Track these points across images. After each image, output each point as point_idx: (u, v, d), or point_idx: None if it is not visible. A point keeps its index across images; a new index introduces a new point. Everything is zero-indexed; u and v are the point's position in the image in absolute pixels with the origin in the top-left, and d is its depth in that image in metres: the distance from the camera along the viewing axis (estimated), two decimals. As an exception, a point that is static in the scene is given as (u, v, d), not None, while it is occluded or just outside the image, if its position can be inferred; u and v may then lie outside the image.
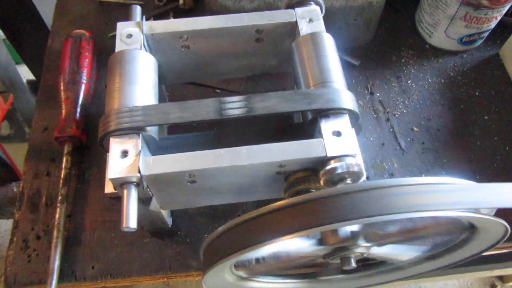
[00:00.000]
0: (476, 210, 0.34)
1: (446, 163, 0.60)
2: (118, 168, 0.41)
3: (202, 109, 0.43)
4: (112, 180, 0.41)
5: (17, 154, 1.24)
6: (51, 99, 0.65)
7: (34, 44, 1.06)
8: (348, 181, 0.42)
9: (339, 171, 0.41)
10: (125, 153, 0.42)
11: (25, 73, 1.32)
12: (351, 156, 0.42)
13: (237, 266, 0.47)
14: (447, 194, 0.30)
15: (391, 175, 0.59)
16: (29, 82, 1.44)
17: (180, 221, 0.56)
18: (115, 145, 0.42)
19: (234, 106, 0.43)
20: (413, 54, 0.70)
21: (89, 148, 0.61)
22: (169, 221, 0.55)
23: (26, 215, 0.56)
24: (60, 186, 0.56)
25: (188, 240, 0.54)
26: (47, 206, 0.57)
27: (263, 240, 0.31)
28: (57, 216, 0.54)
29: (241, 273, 0.49)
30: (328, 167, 0.41)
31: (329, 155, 0.42)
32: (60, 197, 0.55)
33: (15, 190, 1.34)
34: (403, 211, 0.30)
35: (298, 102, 0.44)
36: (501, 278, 1.26)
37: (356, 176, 0.42)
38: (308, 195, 0.32)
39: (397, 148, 0.61)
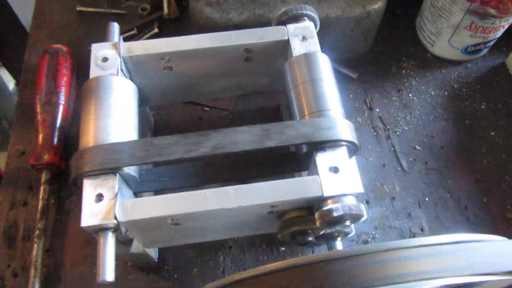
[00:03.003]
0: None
1: (451, 185, 0.56)
2: (92, 214, 0.37)
3: (180, 147, 0.39)
4: (86, 227, 0.37)
5: (4, 163, 1.20)
6: (28, 120, 0.61)
7: (14, 48, 1.02)
8: (347, 222, 0.39)
9: (336, 214, 0.37)
10: (100, 197, 0.38)
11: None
12: (351, 195, 0.38)
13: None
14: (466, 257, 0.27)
15: (393, 199, 0.55)
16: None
17: (167, 254, 0.52)
18: (89, 188, 0.38)
19: (211, 142, 0.39)
20: (414, 64, 0.65)
21: (68, 174, 0.56)
22: (155, 255, 0.51)
23: (2, 250, 0.52)
24: (38, 219, 0.52)
25: (175, 275, 0.51)
26: (24, 239, 0.53)
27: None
28: (34, 253, 0.50)
29: None
30: (324, 208, 0.38)
31: (325, 194, 0.38)
32: (37, 232, 0.51)
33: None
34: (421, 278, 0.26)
35: (284, 136, 0.39)
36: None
37: (355, 218, 0.38)
38: (305, 259, 0.28)
39: (399, 169, 0.57)
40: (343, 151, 0.40)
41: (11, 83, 1.33)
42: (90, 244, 0.52)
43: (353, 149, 0.42)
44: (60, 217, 0.54)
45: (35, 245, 0.51)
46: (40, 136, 0.56)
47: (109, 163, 0.38)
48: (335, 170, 0.39)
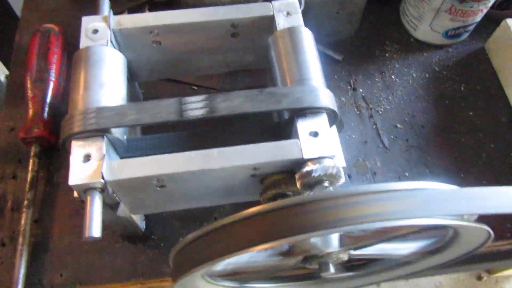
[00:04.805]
0: (458, 217, 0.32)
1: (431, 161, 0.58)
2: (80, 174, 0.38)
3: (162, 109, 0.40)
4: (73, 186, 0.38)
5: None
6: (18, 97, 0.62)
7: (5, 38, 1.02)
8: (326, 184, 0.40)
9: (315, 174, 0.38)
10: (88, 157, 0.39)
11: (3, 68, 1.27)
12: (329, 157, 0.40)
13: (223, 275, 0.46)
14: (425, 201, 0.28)
15: (374, 174, 0.57)
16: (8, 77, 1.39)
17: (154, 225, 0.53)
18: (77, 149, 0.39)
19: (197, 106, 0.41)
20: (398, 48, 0.67)
21: (58, 149, 0.58)
22: (142, 225, 0.52)
23: (-10, 221, 0.53)
24: (27, 190, 0.53)
25: (162, 244, 0.52)
26: (13, 211, 0.54)
27: (220, 254, 0.30)
28: (22, 221, 0.51)
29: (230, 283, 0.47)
30: (303, 170, 0.39)
31: (305, 157, 0.39)
32: (26, 202, 0.52)
33: None
34: (366, 221, 0.28)
35: (266, 102, 0.41)
36: (487, 270, 1.26)
37: (334, 178, 0.39)
38: (270, 205, 0.30)
39: (380, 145, 0.59)
40: (323, 118, 0.42)
41: (1, 75, 1.33)
42: (78, 215, 0.54)
43: (333, 117, 0.43)
44: (49, 189, 0.55)
45: (24, 215, 0.52)
46: (30, 111, 0.57)
47: (97, 125, 0.39)
48: (315, 134, 0.41)
